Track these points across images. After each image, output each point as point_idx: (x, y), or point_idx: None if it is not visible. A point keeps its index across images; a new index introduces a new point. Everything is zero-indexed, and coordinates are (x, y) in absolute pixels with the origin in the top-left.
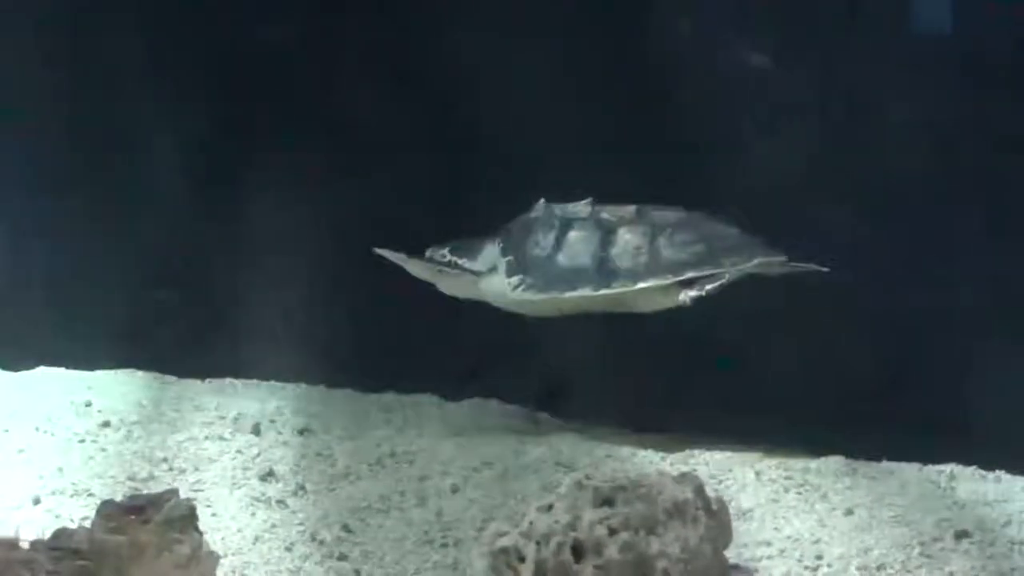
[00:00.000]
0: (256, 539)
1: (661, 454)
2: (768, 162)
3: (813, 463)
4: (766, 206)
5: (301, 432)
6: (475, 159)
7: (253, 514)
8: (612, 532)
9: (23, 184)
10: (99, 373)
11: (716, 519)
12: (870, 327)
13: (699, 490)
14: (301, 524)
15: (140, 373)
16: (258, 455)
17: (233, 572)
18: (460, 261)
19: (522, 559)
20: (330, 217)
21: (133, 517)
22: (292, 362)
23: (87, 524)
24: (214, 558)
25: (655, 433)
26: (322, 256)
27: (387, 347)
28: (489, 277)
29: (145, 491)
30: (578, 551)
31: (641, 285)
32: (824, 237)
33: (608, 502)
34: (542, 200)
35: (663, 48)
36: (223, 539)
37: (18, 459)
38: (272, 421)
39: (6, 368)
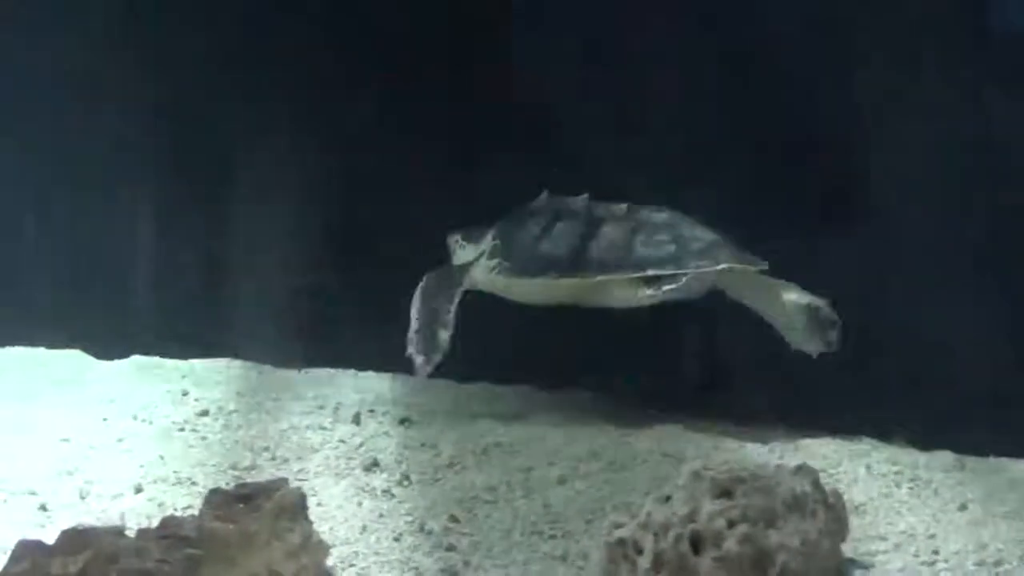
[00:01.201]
0: (364, 529)
1: (768, 446)
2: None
3: (922, 458)
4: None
5: (402, 422)
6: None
7: (360, 504)
8: (731, 524)
9: (115, 175)
10: (193, 362)
11: (833, 512)
12: (978, 324)
13: (816, 483)
14: (408, 514)
15: (236, 362)
16: (361, 445)
17: (342, 562)
18: (466, 247)
19: (640, 550)
20: (424, 210)
21: (241, 505)
22: (389, 352)
23: (191, 513)
24: (324, 547)
25: (758, 425)
26: (417, 247)
27: (484, 337)
28: (477, 263)
29: (249, 480)
30: (696, 543)
31: (600, 278)
32: (934, 230)
33: (727, 493)
34: (545, 192)
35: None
36: (331, 529)
37: (118, 448)
38: (371, 411)
39: (100, 357)
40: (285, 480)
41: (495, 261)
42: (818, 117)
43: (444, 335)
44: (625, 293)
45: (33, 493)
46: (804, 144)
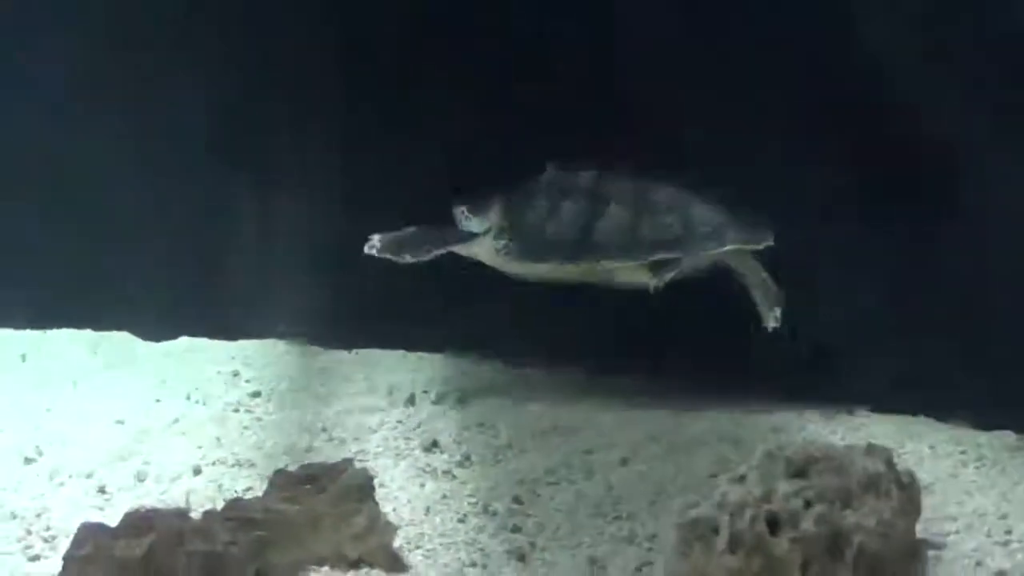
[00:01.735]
0: (428, 510)
1: (828, 427)
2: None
3: (982, 437)
4: None
5: (456, 403)
6: None
7: (422, 485)
8: (807, 504)
9: (165, 159)
10: (242, 343)
11: (907, 492)
12: None
13: (889, 462)
14: (472, 495)
15: (284, 343)
16: (419, 425)
17: (408, 543)
18: (472, 219)
19: (715, 531)
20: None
21: (307, 487)
22: (438, 334)
23: (252, 494)
24: (391, 529)
25: (814, 406)
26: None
27: (532, 320)
28: (483, 239)
29: (305, 461)
30: (772, 523)
31: (605, 264)
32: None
33: (801, 474)
34: (552, 165)
35: None
36: (394, 510)
37: (173, 430)
38: (425, 392)
39: (147, 339)
40: (351, 461)
41: (502, 242)
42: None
43: (409, 257)
44: (631, 276)
45: (90, 476)
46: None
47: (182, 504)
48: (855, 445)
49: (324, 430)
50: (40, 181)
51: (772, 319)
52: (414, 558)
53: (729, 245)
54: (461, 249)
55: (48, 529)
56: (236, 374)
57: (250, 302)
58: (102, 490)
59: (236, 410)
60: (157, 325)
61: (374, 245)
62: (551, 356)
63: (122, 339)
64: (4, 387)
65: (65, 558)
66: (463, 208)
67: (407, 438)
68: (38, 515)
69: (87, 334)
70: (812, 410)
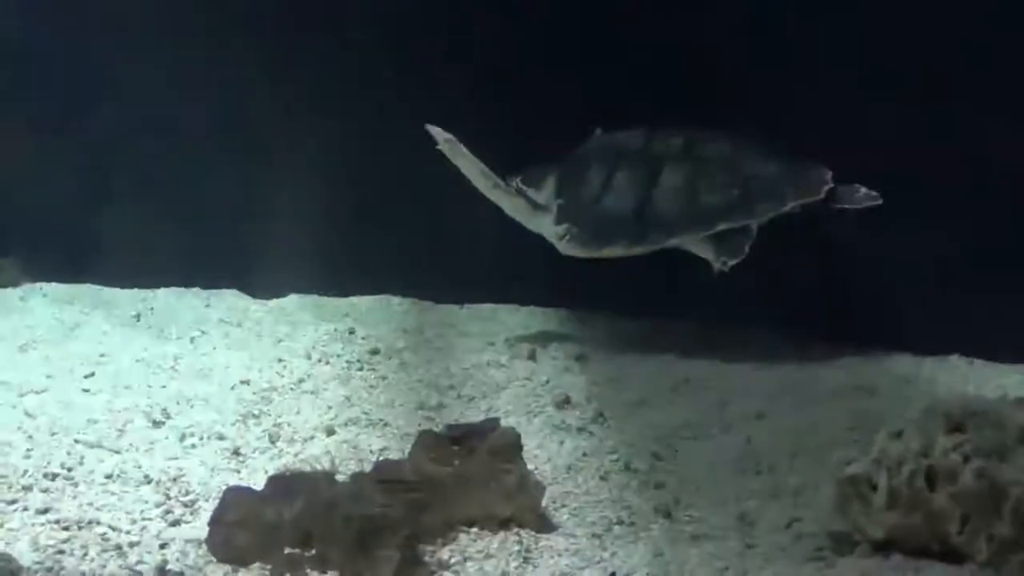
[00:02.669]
0: (569, 468)
1: (955, 376)
2: None
3: None
4: None
5: (578, 358)
6: None
7: (561, 443)
8: (965, 459)
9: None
10: (353, 299)
11: None
12: None
13: None
14: (612, 452)
15: (396, 299)
16: (547, 382)
17: (554, 502)
18: (527, 191)
19: (874, 487)
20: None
21: (456, 447)
22: (551, 286)
23: (388, 455)
24: (540, 488)
25: (938, 355)
26: None
27: (644, 272)
28: (542, 215)
29: (438, 420)
30: (930, 478)
31: (672, 241)
32: None
33: (959, 428)
34: (598, 130)
35: None
36: (535, 469)
37: (299, 389)
38: (544, 346)
39: (256, 296)
40: (496, 420)
41: (563, 228)
42: None
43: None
44: (695, 246)
45: (222, 437)
46: None
47: (323, 465)
48: (1004, 397)
49: (451, 388)
50: (149, 152)
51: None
52: (561, 517)
53: (790, 203)
54: (528, 223)
55: (187, 494)
56: (352, 331)
57: (359, 258)
58: (236, 452)
59: (360, 368)
60: (266, 284)
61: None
62: (664, 309)
63: (232, 296)
64: (121, 347)
65: (211, 522)
66: (516, 179)
67: (537, 395)
68: (174, 479)
69: (196, 292)
70: (939, 361)
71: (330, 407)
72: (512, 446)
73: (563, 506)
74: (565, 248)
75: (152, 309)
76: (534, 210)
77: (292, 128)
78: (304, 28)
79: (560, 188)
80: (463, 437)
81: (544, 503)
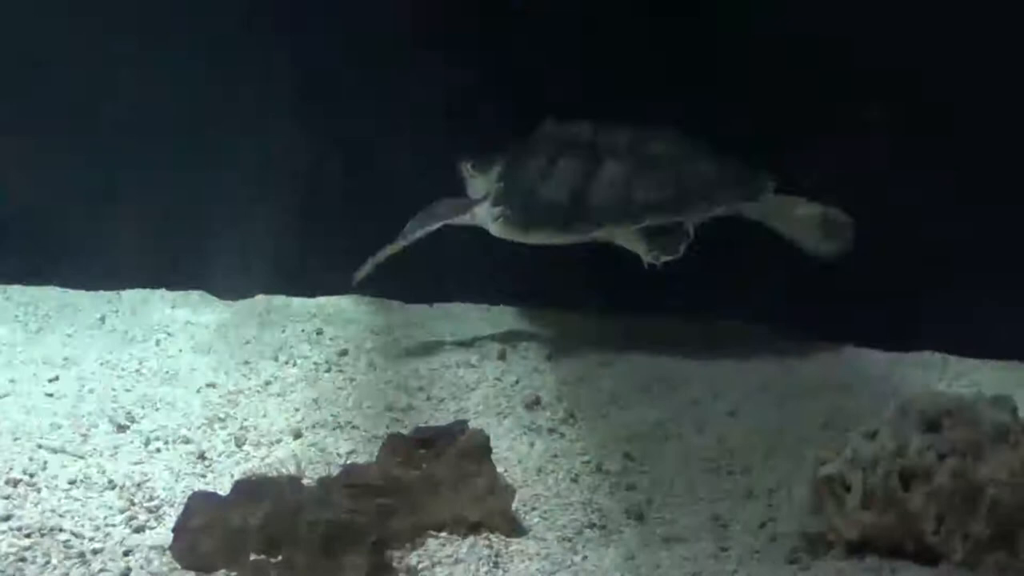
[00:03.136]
0: (539, 470)
1: (931, 374)
2: None
3: None
4: None
5: (549, 357)
6: None
7: (531, 444)
8: (940, 458)
9: (243, 117)
10: (321, 300)
11: None
12: None
13: (1015, 413)
14: (582, 453)
15: (364, 299)
16: (517, 382)
17: (524, 505)
18: (476, 177)
19: (847, 487)
20: None
21: (423, 451)
22: (520, 285)
23: (355, 458)
24: (510, 491)
25: (916, 351)
26: None
27: (621, 269)
28: (482, 204)
29: (407, 422)
30: (905, 478)
31: (597, 233)
32: None
33: (934, 427)
34: (549, 118)
35: None
36: (505, 471)
37: (266, 392)
38: (513, 346)
39: (223, 298)
40: (465, 423)
41: (498, 209)
42: None
43: (401, 241)
44: (628, 241)
45: (187, 441)
46: None
47: (288, 469)
48: (979, 395)
49: (421, 389)
50: (124, 143)
51: (843, 244)
52: (531, 520)
53: (721, 206)
54: (465, 219)
55: (152, 499)
56: (320, 332)
57: (325, 257)
58: (202, 456)
59: (328, 370)
60: (231, 284)
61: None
62: (642, 304)
63: (197, 297)
64: (86, 349)
65: (175, 529)
66: (468, 164)
67: (507, 395)
68: (138, 484)
69: (161, 293)
70: (916, 357)
71: (297, 409)
72: (481, 448)
73: (533, 509)
74: (496, 230)
75: (117, 311)
76: (468, 208)
77: (257, 128)
78: (265, 28)
79: (502, 173)
80: (431, 440)
81: (514, 506)
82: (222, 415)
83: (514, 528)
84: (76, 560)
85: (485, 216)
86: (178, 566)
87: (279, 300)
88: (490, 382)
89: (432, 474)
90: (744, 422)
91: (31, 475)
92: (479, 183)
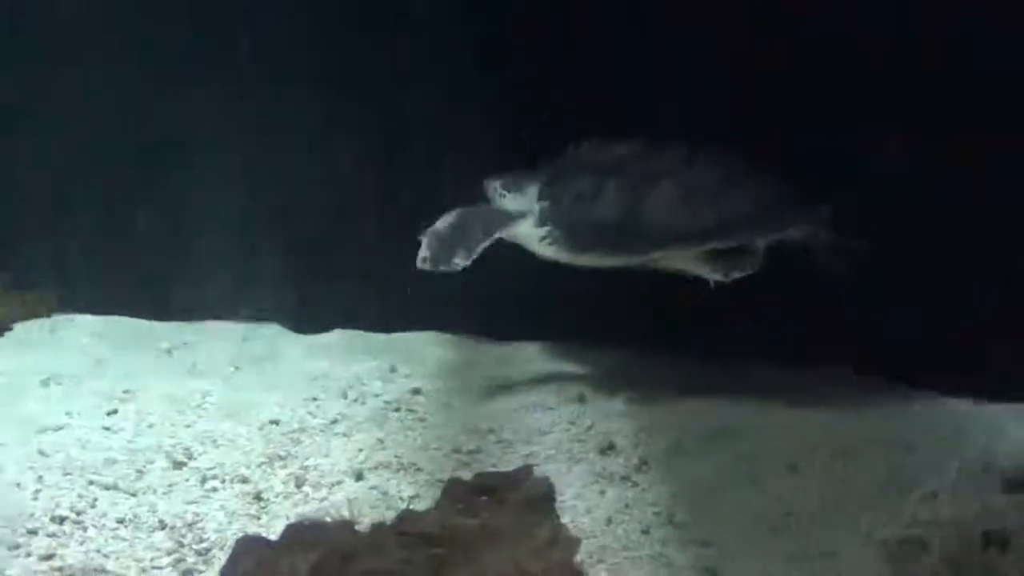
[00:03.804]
0: (609, 520)
1: (984, 423)
2: None
3: None
4: None
5: (628, 401)
6: None
7: (602, 492)
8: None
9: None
10: (396, 336)
11: None
12: None
13: None
14: (654, 504)
15: (441, 335)
16: (591, 427)
17: (590, 557)
18: (507, 196)
19: (925, 548)
20: None
21: (484, 498)
22: (605, 326)
23: (416, 502)
24: (574, 543)
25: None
26: None
27: (706, 312)
28: (523, 223)
29: (473, 465)
30: (987, 540)
31: (655, 255)
32: None
33: (1015, 487)
34: (592, 139)
35: None
36: (572, 521)
37: (331, 431)
38: (595, 389)
39: (302, 331)
40: (530, 469)
41: (546, 230)
42: None
43: (460, 262)
44: (691, 264)
45: (245, 480)
46: None
47: (345, 513)
48: None
49: (492, 431)
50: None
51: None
52: (597, 573)
53: (788, 228)
54: (504, 233)
55: (201, 541)
56: (393, 369)
57: (404, 293)
58: (258, 496)
59: (397, 409)
60: (310, 318)
61: (426, 260)
62: (719, 347)
63: (272, 331)
64: (149, 381)
65: (222, 574)
66: (496, 184)
67: (580, 440)
68: (190, 525)
69: (236, 327)
70: (977, 407)
71: (361, 449)
72: (545, 497)
73: (600, 561)
74: (545, 252)
75: (186, 343)
76: (512, 223)
77: (332, 169)
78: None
79: (544, 193)
80: (494, 488)
81: (579, 558)
82: (283, 453)
83: None
84: None
85: (528, 236)
86: None
87: (355, 335)
88: (564, 425)
89: (491, 523)
90: (803, 479)
91: (79, 512)
92: (509, 202)
